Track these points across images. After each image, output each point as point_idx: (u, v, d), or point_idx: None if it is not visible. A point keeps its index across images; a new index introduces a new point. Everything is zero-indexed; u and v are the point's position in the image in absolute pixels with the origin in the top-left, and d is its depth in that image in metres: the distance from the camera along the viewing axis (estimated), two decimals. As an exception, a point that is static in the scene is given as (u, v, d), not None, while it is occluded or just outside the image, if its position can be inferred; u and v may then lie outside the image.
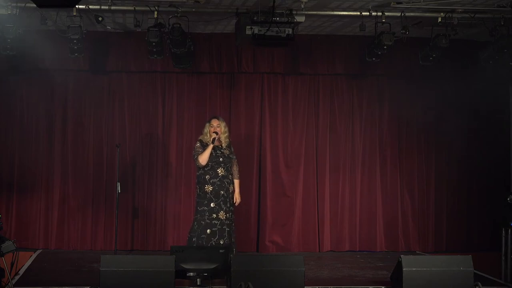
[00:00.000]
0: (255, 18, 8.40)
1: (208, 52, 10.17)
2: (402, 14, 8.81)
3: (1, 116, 10.12)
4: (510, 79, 9.89)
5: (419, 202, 10.62)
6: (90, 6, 8.58)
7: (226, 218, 8.38)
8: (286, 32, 8.45)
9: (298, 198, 10.42)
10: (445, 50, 9.12)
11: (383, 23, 8.84)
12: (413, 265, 7.04)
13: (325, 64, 10.38)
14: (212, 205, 8.34)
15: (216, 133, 8.50)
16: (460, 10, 8.73)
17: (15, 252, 7.16)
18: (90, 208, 10.14)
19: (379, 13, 8.84)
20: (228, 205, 8.44)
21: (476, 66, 9.51)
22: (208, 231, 8.31)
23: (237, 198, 8.59)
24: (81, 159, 10.20)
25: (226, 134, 8.61)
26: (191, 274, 7.08)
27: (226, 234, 8.35)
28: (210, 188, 8.38)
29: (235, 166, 8.66)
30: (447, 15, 8.79)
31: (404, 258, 7.06)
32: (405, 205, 10.59)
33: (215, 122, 8.56)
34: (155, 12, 8.61)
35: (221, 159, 8.45)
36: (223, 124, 8.59)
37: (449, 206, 10.65)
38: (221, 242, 8.27)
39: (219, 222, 8.32)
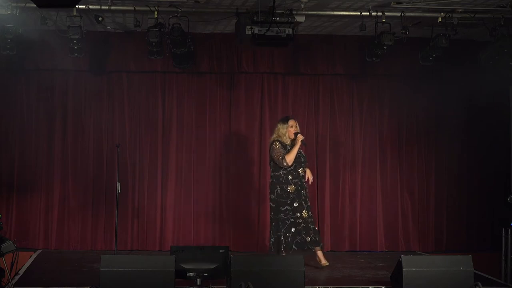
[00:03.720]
0: (255, 18, 8.40)
1: (208, 52, 10.16)
2: (402, 14, 8.81)
3: (1, 116, 10.12)
4: (510, 79, 9.88)
5: (419, 202, 10.61)
6: (90, 6, 8.58)
7: (309, 216, 8.39)
8: (286, 32, 8.45)
9: (298, 198, 10.41)
10: (445, 50, 9.12)
11: (383, 23, 8.85)
12: (413, 265, 7.03)
13: (325, 64, 10.37)
14: (295, 204, 8.32)
15: (299, 133, 8.49)
16: (460, 10, 8.74)
17: (15, 252, 7.17)
18: (90, 208, 10.13)
19: (379, 13, 8.84)
20: (309, 203, 8.46)
21: (476, 66, 9.50)
22: (293, 229, 8.30)
23: (309, 176, 8.54)
24: (81, 159, 10.20)
25: None
26: (191, 274, 7.07)
27: (312, 231, 8.37)
28: (293, 188, 8.35)
29: None
30: (447, 15, 8.79)
31: (404, 258, 7.05)
32: (405, 205, 10.58)
33: (293, 123, 8.52)
34: (155, 12, 8.61)
35: (302, 159, 8.46)
36: (295, 124, 8.56)
37: (449, 206, 10.64)
38: (308, 239, 8.31)
39: (303, 221, 8.33)
